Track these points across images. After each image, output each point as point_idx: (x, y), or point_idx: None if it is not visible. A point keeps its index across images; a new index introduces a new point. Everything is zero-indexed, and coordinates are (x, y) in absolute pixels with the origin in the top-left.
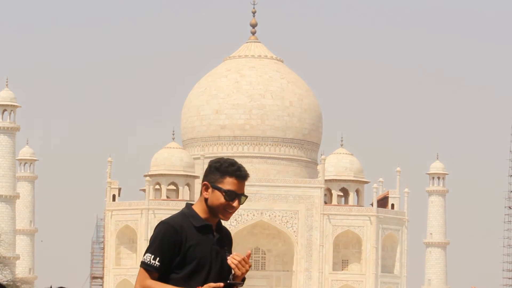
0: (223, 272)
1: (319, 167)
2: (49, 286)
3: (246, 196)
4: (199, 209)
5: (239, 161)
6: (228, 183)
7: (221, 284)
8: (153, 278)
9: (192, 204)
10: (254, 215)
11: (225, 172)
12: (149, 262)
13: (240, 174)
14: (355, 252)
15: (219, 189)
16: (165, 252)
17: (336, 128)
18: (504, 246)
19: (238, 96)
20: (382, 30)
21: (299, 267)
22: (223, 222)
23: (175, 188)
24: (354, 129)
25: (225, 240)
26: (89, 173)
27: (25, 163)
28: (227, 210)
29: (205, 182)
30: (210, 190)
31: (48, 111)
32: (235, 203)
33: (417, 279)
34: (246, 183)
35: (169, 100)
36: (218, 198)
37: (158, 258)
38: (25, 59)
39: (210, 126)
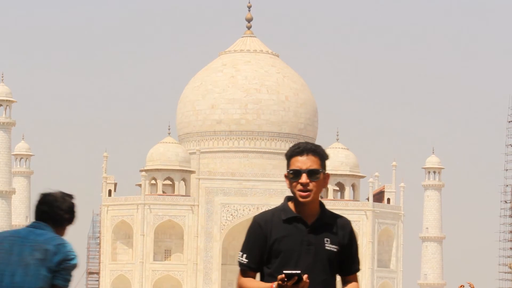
0: (317, 263)
1: None
2: None
3: (316, 171)
4: (293, 202)
5: (235, 155)
6: (293, 164)
7: (282, 276)
8: (246, 276)
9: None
10: (250, 210)
11: (289, 156)
12: (239, 260)
13: (299, 150)
14: None
15: (287, 173)
16: (252, 248)
17: (331, 122)
18: (500, 241)
19: (234, 90)
20: (377, 25)
21: None
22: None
23: (171, 183)
24: (350, 123)
25: (327, 229)
26: (85, 168)
27: (21, 158)
28: (297, 190)
29: (285, 173)
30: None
31: (44, 106)
32: (302, 179)
33: (413, 273)
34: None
35: (165, 95)
36: (289, 182)
37: (245, 255)
38: (20, 54)
39: (206, 121)
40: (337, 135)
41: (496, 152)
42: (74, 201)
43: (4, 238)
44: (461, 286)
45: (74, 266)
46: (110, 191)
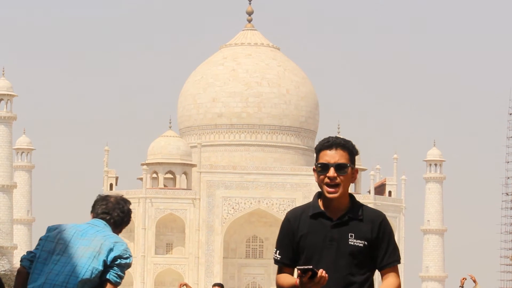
0: (340, 258)
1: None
2: None
3: (344, 165)
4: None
5: (236, 149)
6: (321, 157)
7: (299, 271)
8: (282, 272)
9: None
10: (251, 203)
11: (318, 149)
12: (274, 256)
13: (328, 144)
14: None
15: (315, 166)
16: (283, 244)
17: (333, 115)
18: (501, 233)
19: (235, 84)
20: (378, 17)
21: None
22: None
23: (172, 176)
24: (351, 116)
25: (354, 223)
26: (86, 162)
27: (22, 153)
28: (324, 184)
29: (313, 167)
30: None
31: (44, 100)
32: (330, 173)
33: (414, 266)
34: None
35: (166, 89)
36: (317, 175)
37: (278, 251)
38: (21, 48)
39: (207, 114)
40: (338, 128)
41: (497, 145)
42: (130, 206)
43: (64, 230)
44: (463, 279)
45: (128, 265)
46: (111, 185)
